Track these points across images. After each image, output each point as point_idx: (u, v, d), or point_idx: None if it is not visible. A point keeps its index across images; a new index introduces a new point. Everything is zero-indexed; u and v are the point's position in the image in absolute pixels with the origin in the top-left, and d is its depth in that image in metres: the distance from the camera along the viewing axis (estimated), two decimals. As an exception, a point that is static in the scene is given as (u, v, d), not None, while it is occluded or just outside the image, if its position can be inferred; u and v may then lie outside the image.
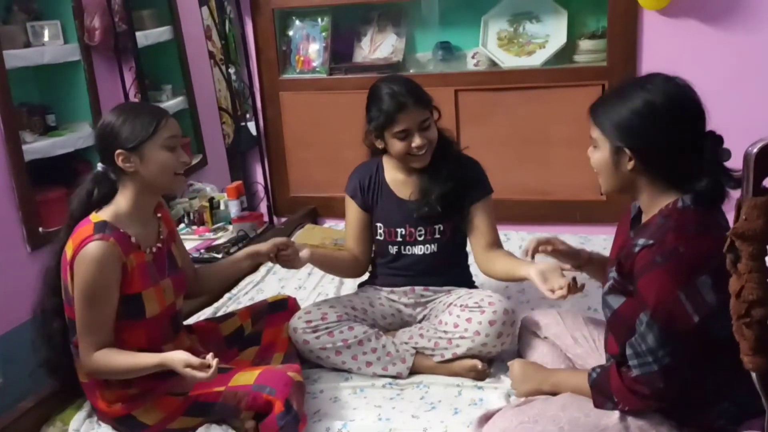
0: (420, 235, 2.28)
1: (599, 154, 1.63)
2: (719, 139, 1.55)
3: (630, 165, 1.58)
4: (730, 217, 1.55)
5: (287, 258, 2.13)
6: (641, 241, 1.54)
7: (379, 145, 2.23)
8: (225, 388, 1.87)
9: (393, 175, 2.31)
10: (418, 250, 2.29)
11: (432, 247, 2.28)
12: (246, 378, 1.89)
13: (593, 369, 1.69)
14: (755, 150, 1.08)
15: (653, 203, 1.61)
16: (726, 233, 1.12)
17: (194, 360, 1.74)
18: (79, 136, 3.26)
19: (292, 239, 3.27)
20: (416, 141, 2.15)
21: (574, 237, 3.06)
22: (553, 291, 1.81)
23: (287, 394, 1.84)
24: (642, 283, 1.53)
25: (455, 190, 2.22)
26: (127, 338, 1.88)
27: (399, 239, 2.29)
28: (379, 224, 2.32)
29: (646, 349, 1.53)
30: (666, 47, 2.96)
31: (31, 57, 3.06)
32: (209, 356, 1.75)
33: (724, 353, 1.52)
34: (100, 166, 1.90)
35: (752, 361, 1.09)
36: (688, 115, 1.55)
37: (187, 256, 2.17)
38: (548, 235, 1.97)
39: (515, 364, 1.92)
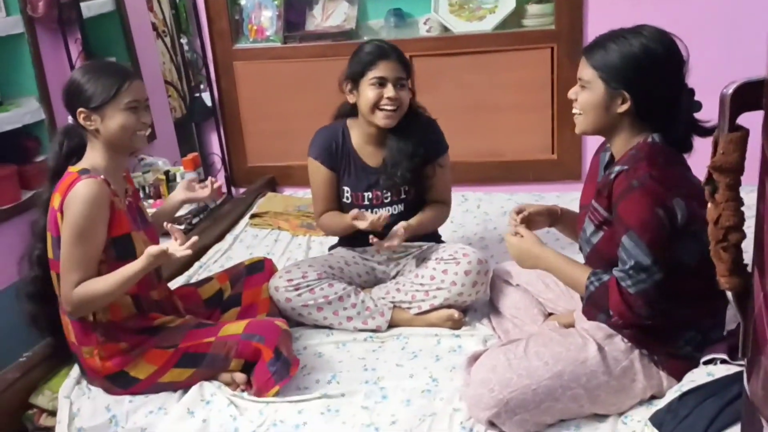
0: (386, 198, 2.34)
1: (589, 94, 1.71)
2: (692, 92, 1.69)
3: (623, 107, 1.68)
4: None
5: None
6: (616, 168, 1.67)
7: (351, 99, 2.27)
8: (215, 339, 1.92)
9: (360, 144, 2.34)
10: (386, 211, 2.34)
11: (399, 207, 2.35)
12: (234, 328, 1.95)
13: (589, 279, 1.72)
14: (730, 91, 1.17)
15: (627, 143, 1.72)
16: (706, 166, 1.22)
17: (170, 242, 1.80)
18: (25, 112, 3.16)
19: (255, 208, 3.29)
20: (389, 92, 2.19)
21: (528, 195, 3.18)
22: None
23: (276, 341, 1.90)
24: (622, 206, 1.64)
25: (422, 159, 2.29)
26: None
27: (366, 203, 2.34)
28: (346, 188, 2.36)
29: (638, 267, 1.63)
30: (611, 11, 3.04)
31: (-28, 31, 2.96)
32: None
33: (692, 284, 1.67)
34: (70, 119, 1.94)
35: (729, 281, 1.19)
36: (680, 64, 1.68)
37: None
38: (519, 206, 1.99)
39: (512, 247, 1.85)
